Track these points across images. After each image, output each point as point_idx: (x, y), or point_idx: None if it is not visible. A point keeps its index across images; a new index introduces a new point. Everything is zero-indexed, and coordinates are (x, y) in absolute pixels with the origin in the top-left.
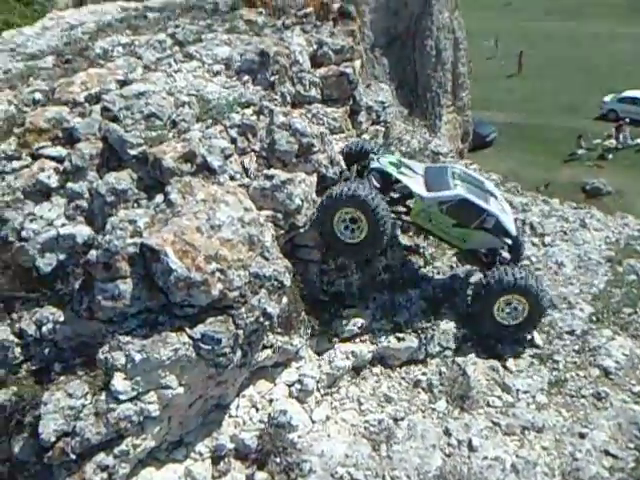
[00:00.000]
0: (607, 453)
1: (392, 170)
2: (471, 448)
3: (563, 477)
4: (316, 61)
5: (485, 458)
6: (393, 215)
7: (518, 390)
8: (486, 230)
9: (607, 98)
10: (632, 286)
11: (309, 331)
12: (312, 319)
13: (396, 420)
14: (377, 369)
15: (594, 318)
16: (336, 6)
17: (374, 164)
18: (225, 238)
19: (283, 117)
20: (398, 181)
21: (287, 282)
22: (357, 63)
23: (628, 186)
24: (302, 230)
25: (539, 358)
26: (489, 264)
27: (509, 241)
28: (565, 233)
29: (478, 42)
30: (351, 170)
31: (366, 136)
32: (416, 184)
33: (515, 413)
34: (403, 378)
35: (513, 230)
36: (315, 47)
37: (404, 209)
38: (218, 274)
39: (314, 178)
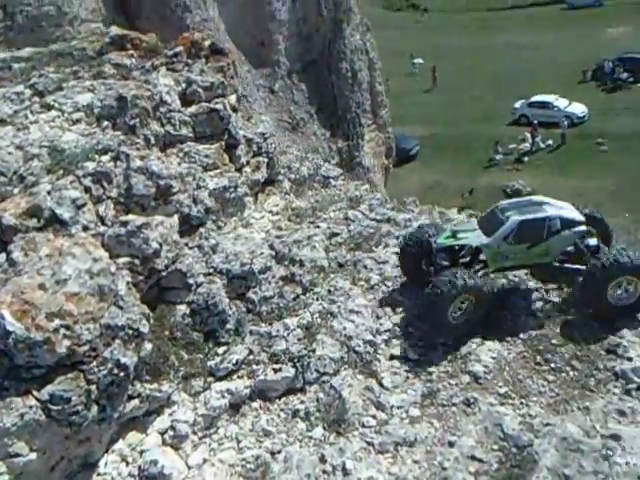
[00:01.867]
0: (473, 458)
1: (450, 241)
2: (345, 472)
3: None
4: (186, 99)
5: None
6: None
7: (392, 406)
8: (558, 233)
9: (517, 104)
10: None
11: (180, 374)
12: (184, 362)
13: (273, 454)
14: (256, 404)
15: None
16: (207, 43)
17: (434, 246)
18: (71, 292)
19: (140, 161)
20: (462, 247)
21: (144, 329)
22: (232, 98)
23: (544, 185)
24: (164, 273)
25: (414, 372)
26: (583, 256)
27: (582, 227)
28: None
29: (393, 61)
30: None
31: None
32: (476, 238)
33: (388, 430)
34: (282, 409)
35: (579, 216)
36: (184, 86)
37: (481, 265)
38: (63, 330)
39: (174, 219)
